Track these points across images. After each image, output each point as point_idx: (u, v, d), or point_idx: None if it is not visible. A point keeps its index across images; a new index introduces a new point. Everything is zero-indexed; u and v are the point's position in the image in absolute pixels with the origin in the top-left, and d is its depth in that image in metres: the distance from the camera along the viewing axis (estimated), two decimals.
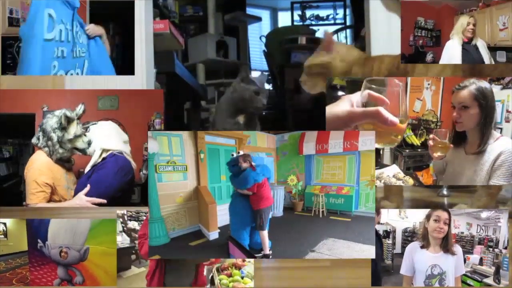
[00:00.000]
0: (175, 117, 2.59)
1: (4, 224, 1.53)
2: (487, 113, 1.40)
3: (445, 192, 1.61)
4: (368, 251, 1.75)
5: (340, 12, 4.66)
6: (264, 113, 1.74)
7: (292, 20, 4.69)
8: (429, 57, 1.67)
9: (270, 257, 1.61)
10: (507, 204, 1.52)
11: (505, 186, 1.45)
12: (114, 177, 1.52)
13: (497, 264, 1.49)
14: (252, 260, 1.51)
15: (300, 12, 4.70)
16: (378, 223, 1.57)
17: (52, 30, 1.51)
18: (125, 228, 1.51)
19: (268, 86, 3.48)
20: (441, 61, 1.64)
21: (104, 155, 1.57)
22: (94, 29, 1.65)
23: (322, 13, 4.70)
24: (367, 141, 2.77)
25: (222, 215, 2.20)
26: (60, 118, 1.50)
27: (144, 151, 1.83)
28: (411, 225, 1.58)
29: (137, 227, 1.49)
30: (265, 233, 1.63)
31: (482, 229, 1.53)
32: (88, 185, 1.48)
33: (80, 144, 1.52)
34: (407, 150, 2.00)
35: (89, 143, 1.53)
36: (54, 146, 1.50)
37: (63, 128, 1.50)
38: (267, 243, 1.68)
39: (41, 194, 1.46)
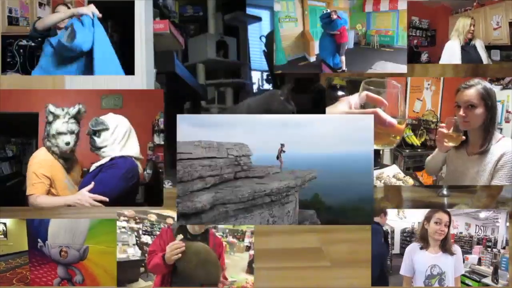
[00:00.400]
0: (175, 117, 2.59)
1: (4, 224, 1.54)
2: (492, 113, 1.40)
3: (445, 192, 1.62)
4: None
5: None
6: None
7: None
8: (424, 57, 1.66)
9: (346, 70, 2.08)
10: (507, 204, 1.52)
11: (506, 186, 1.45)
12: (120, 179, 1.51)
13: (495, 264, 1.50)
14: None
15: None
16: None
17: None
18: (138, 242, 1.53)
19: (268, 86, 3.49)
20: (441, 62, 1.64)
21: (113, 155, 1.57)
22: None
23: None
24: None
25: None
26: (46, 112, 1.51)
27: (148, 150, 1.83)
28: (410, 226, 1.58)
29: (150, 241, 1.51)
30: (343, 58, 2.12)
31: (481, 229, 1.53)
32: (93, 183, 1.48)
33: (60, 142, 1.50)
34: (407, 150, 2.00)
35: (67, 144, 1.50)
36: (45, 139, 1.51)
37: (48, 122, 1.51)
38: (344, 62, 2.14)
39: (40, 185, 1.47)
